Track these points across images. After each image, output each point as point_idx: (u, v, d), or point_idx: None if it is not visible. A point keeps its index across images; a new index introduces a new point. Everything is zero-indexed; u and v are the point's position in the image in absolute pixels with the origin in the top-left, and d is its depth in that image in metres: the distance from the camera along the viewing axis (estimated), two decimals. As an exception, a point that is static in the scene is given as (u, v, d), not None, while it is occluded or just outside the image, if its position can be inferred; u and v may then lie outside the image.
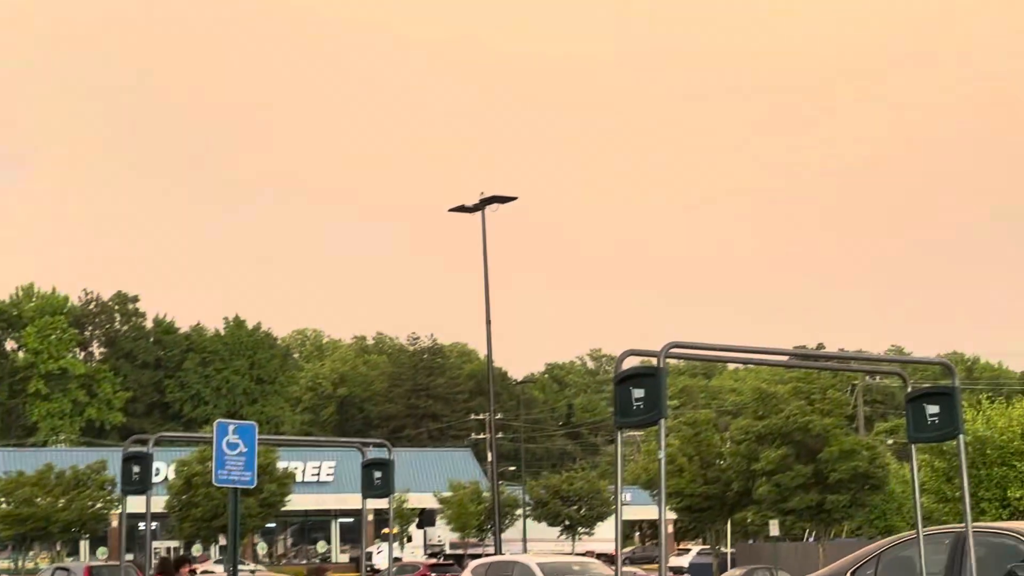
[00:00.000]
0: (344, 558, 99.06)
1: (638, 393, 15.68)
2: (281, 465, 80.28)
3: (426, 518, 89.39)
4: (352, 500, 71.14)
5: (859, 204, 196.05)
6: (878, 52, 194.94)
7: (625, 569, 62.95)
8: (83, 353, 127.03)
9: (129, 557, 57.26)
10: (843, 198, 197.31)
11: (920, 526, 17.48)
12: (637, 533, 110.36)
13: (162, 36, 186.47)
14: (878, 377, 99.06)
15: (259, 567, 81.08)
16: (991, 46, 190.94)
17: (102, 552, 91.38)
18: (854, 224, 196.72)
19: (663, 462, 16.57)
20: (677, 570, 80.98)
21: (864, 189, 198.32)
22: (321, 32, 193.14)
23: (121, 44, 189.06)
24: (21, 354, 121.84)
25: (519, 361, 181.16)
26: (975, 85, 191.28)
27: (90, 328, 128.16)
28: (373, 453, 28.85)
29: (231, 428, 23.58)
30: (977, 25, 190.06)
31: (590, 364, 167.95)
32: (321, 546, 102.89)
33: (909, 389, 18.14)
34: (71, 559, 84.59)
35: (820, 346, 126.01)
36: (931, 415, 17.77)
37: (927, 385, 18.41)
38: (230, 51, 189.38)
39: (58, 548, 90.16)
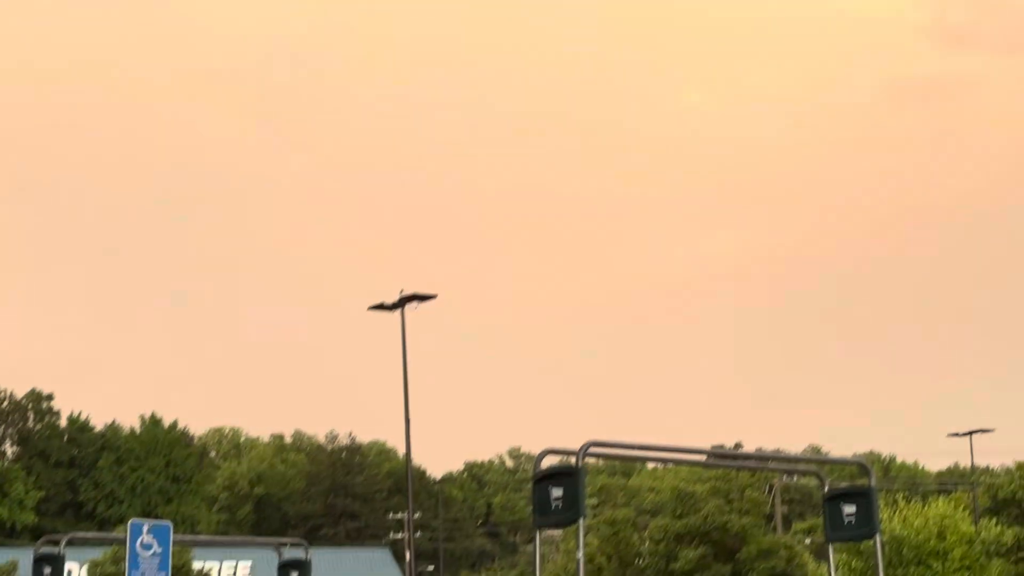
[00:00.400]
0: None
1: (556, 492, 15.77)
2: (197, 565, 79.30)
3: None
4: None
5: (779, 303, 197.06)
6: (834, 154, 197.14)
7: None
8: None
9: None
10: (760, 297, 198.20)
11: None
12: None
13: (71, 131, 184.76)
14: (796, 476, 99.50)
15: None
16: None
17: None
18: (773, 322, 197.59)
19: (582, 562, 16.65)
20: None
21: (786, 287, 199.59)
22: (244, 125, 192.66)
23: (32, 140, 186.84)
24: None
25: (438, 459, 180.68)
26: (901, 184, 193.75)
27: (2, 427, 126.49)
28: (290, 553, 28.60)
29: (146, 528, 23.33)
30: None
31: (509, 463, 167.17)
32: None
33: (826, 489, 18.33)
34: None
35: (738, 445, 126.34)
36: (848, 515, 17.93)
37: (844, 485, 18.60)
38: (144, 143, 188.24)
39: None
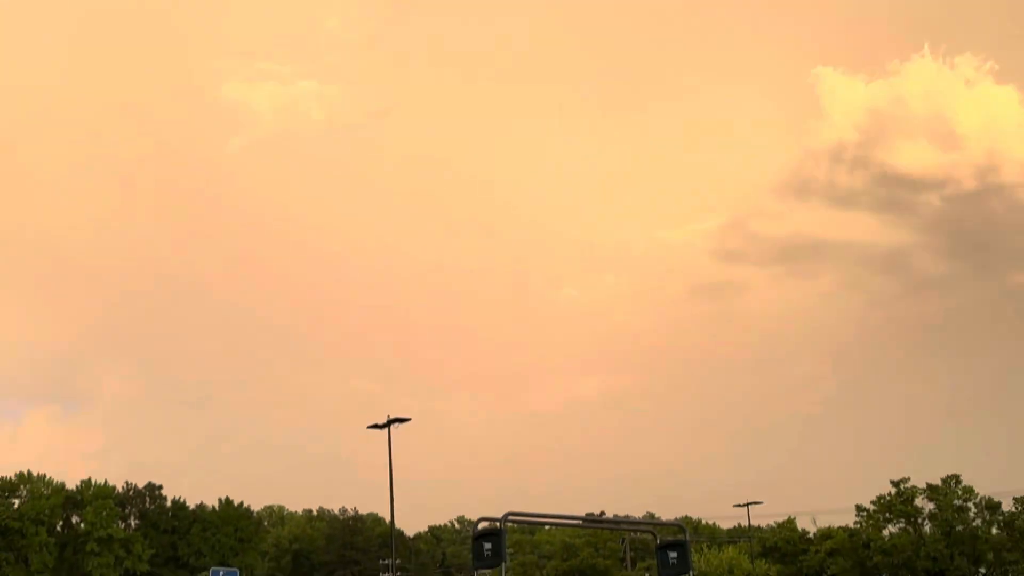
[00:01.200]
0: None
1: (487, 546, 15.29)
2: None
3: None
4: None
5: (626, 423, 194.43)
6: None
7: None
8: (123, 524, 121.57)
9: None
10: (612, 418, 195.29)
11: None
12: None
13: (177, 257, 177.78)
14: (638, 533, 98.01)
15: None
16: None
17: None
18: (623, 434, 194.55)
19: (500, 593, 16.01)
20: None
21: (626, 412, 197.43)
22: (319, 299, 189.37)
23: (150, 275, 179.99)
24: (82, 525, 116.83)
25: (411, 524, 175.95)
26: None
27: (129, 507, 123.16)
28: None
29: (221, 572, 22.46)
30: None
31: (457, 526, 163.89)
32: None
33: (658, 541, 17.90)
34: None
35: (602, 512, 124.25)
36: (672, 558, 17.53)
37: (669, 539, 18.23)
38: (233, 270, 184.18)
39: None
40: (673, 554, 18.08)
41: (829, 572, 55.36)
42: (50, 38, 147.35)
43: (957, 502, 51.60)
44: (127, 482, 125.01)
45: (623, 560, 79.40)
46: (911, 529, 52.36)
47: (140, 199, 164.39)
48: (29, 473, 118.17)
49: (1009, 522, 50.21)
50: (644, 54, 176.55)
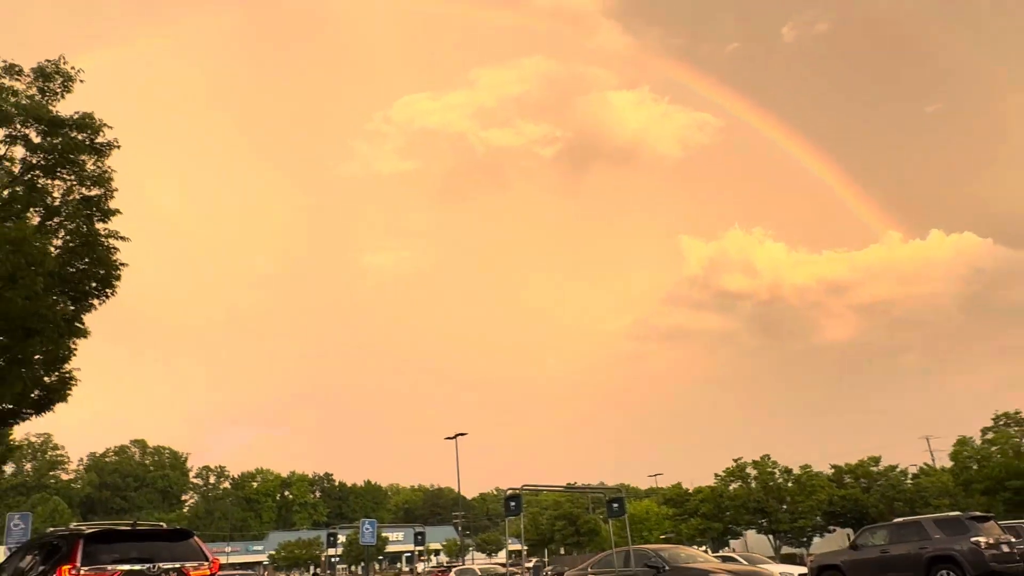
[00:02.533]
0: None
1: (512, 503, 15.23)
2: (384, 535, 73.57)
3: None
4: (409, 547, 65.83)
5: (594, 432, 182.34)
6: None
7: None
8: (312, 495, 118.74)
9: None
10: (584, 424, 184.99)
11: (613, 547, 16.63)
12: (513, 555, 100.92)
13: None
14: (595, 493, 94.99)
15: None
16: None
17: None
18: (569, 435, 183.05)
19: (522, 527, 15.83)
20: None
21: (586, 424, 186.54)
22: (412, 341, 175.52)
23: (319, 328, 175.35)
24: (290, 496, 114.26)
25: (469, 491, 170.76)
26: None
27: (315, 486, 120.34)
28: (418, 529, 26.90)
29: (366, 522, 22.17)
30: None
31: (495, 492, 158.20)
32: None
33: (607, 498, 17.69)
34: None
35: (576, 482, 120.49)
36: (615, 506, 17.37)
37: (613, 496, 18.07)
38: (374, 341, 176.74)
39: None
40: (615, 504, 17.97)
41: (700, 511, 53.79)
42: (279, 235, 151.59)
43: (769, 469, 50.51)
44: (314, 472, 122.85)
45: (587, 509, 76.90)
46: (744, 485, 51.12)
47: (319, 315, 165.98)
48: (260, 468, 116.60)
49: (796, 479, 49.22)
50: (594, 229, 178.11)
